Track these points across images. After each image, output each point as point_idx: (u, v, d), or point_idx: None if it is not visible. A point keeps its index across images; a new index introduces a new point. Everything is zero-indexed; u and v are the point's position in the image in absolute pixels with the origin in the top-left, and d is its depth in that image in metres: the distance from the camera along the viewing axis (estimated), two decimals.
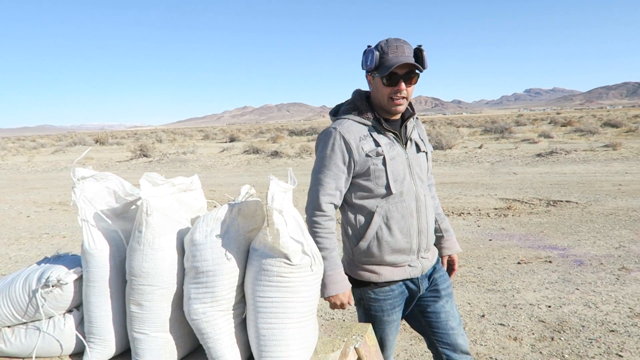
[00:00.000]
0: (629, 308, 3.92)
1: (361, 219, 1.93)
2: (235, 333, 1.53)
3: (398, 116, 1.96)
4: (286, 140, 29.86)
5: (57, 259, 1.74)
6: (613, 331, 3.53)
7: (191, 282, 1.50)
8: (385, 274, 1.96)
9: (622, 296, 4.17)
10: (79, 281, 1.64)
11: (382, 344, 2.06)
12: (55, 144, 41.83)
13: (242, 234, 1.54)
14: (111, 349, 1.61)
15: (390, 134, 1.91)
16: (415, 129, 2.02)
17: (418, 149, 2.00)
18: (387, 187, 1.88)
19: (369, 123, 1.90)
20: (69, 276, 1.60)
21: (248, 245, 1.55)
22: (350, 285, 1.92)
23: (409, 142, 1.97)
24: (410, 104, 2.03)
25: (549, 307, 3.99)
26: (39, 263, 1.75)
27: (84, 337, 1.62)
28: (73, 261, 1.70)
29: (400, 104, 1.89)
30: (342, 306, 1.89)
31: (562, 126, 33.03)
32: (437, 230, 2.19)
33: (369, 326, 1.86)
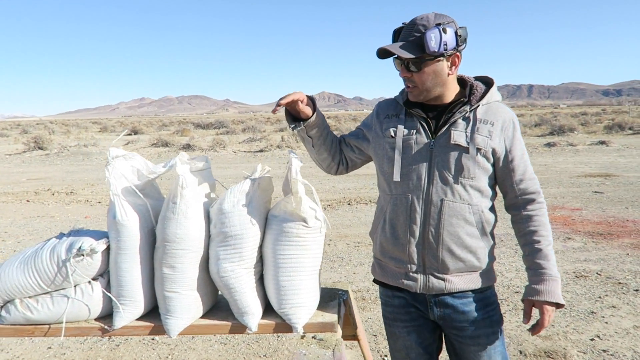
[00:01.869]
0: None
1: (378, 204, 1.85)
2: (256, 287, 1.82)
3: (444, 101, 1.71)
4: (194, 134, 29.24)
5: (77, 233, 1.88)
6: (517, 292, 4.26)
7: (219, 245, 1.75)
8: (380, 271, 1.86)
9: (521, 265, 4.97)
10: (105, 251, 1.81)
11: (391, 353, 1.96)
12: None
13: (262, 203, 1.83)
14: (140, 308, 1.81)
15: (422, 119, 1.71)
16: (470, 120, 1.66)
17: (449, 141, 1.64)
18: (391, 175, 1.72)
19: (409, 108, 1.74)
20: (99, 245, 1.77)
21: (265, 213, 1.84)
22: (311, 108, 1.76)
23: (441, 130, 1.67)
24: (482, 89, 1.73)
25: None
26: (58, 237, 1.88)
27: (115, 300, 1.80)
28: (95, 234, 1.86)
29: (410, 92, 1.69)
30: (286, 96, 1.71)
31: None
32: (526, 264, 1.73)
33: (349, 284, 2.23)
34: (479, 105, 1.69)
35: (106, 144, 23.23)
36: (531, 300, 1.68)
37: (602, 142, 18.05)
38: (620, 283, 4.42)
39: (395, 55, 1.64)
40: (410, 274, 1.74)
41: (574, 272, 4.74)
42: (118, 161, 1.79)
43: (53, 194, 10.20)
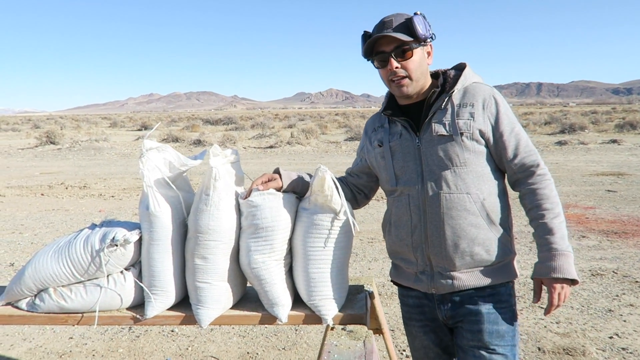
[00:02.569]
0: None
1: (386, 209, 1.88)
2: (285, 279, 1.84)
3: (418, 98, 1.72)
4: (204, 130, 29.34)
5: (109, 224, 1.91)
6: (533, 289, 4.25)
7: (250, 237, 1.77)
8: (394, 272, 1.89)
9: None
10: (138, 241, 1.84)
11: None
12: None
13: (292, 196, 1.84)
14: (171, 298, 1.84)
15: (402, 121, 1.71)
16: (448, 108, 1.64)
17: (433, 134, 1.63)
18: (387, 181, 1.78)
19: (384, 112, 1.80)
20: (132, 236, 1.80)
21: (295, 206, 1.85)
22: (279, 179, 1.82)
23: (424, 126, 1.66)
24: (453, 75, 1.72)
25: None
26: (90, 228, 1.91)
27: (147, 290, 1.82)
28: (127, 224, 1.89)
29: (402, 84, 1.65)
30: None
31: None
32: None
33: (373, 278, 2.24)
34: (454, 91, 1.66)
35: (117, 140, 23.40)
36: (538, 279, 1.62)
37: (614, 141, 17.90)
38: (637, 282, 4.40)
39: (378, 53, 1.66)
40: (419, 274, 1.73)
41: (590, 271, 4.72)
42: (151, 153, 1.81)
43: (67, 188, 10.29)
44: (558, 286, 1.56)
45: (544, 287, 1.64)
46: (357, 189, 2.00)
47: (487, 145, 1.64)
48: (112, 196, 9.29)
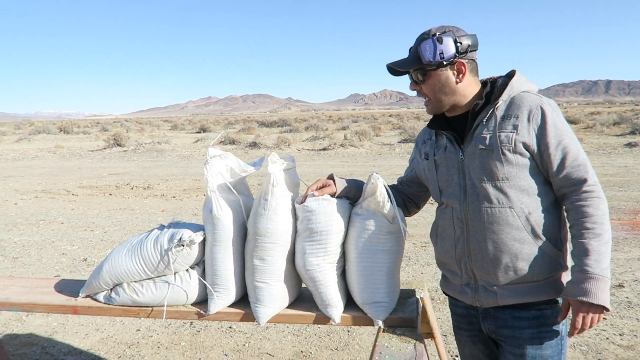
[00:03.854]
0: None
1: None
2: (338, 282, 1.92)
3: (465, 109, 1.70)
4: (259, 132, 30.02)
5: (176, 225, 2.07)
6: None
7: (305, 240, 1.87)
8: (443, 282, 1.91)
9: None
10: (202, 242, 1.98)
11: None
12: (16, 132, 40.40)
13: (345, 202, 1.92)
14: (232, 296, 1.96)
15: (447, 134, 1.71)
16: (491, 120, 1.60)
17: (475, 147, 1.61)
18: (433, 194, 1.83)
19: (428, 126, 1.82)
20: (197, 237, 1.94)
21: (349, 211, 1.93)
22: (333, 185, 1.90)
23: (467, 139, 1.65)
24: (500, 84, 1.67)
25: None
26: (159, 228, 2.07)
27: (210, 288, 1.96)
28: (192, 226, 2.03)
29: (426, 106, 1.72)
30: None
31: None
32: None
33: (425, 283, 2.28)
34: (498, 102, 1.61)
35: (177, 142, 24.40)
36: (566, 300, 1.54)
37: None
38: None
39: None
40: (464, 286, 1.74)
41: None
42: (215, 160, 1.95)
43: (132, 189, 10.90)
44: (584, 310, 1.49)
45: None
46: (407, 197, 2.04)
47: (533, 158, 1.58)
48: (174, 196, 9.74)
